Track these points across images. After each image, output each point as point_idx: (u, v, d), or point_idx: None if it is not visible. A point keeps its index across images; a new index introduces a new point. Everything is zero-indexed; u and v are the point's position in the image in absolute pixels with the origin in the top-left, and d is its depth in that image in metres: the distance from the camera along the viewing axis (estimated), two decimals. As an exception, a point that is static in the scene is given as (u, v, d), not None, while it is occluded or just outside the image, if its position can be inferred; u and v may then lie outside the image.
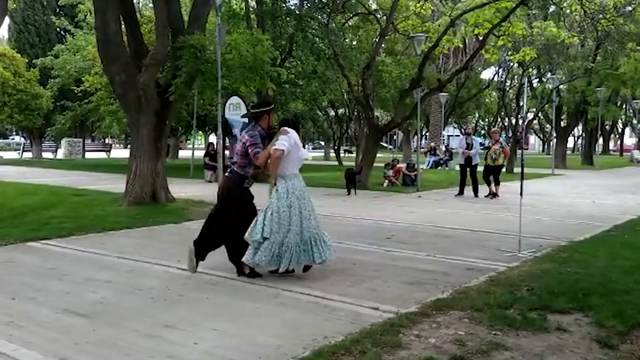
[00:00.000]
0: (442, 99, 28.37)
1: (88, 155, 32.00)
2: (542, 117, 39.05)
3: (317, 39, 17.45)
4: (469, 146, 13.27)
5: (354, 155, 32.58)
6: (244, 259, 5.14)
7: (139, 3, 17.84)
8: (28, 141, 31.34)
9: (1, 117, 26.35)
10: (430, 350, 3.53)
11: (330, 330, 3.87)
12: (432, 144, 29.69)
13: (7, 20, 22.04)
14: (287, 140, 5.17)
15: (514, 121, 27.05)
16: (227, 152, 16.74)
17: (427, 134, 37.33)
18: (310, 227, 5.18)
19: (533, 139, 69.82)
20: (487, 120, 48.78)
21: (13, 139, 48.48)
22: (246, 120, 9.92)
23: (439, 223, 8.84)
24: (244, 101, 10.85)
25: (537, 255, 6.40)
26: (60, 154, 30.67)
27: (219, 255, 6.21)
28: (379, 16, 18.24)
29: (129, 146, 15.85)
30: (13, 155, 31.54)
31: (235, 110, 9.97)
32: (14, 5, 23.40)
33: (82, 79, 20.52)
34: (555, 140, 29.29)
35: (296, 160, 5.31)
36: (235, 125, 10.00)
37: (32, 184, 14.21)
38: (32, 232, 7.38)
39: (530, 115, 33.39)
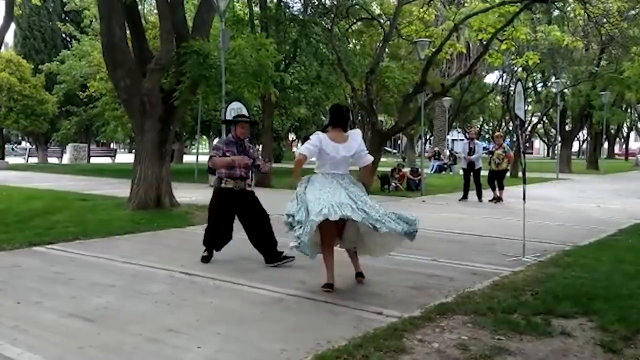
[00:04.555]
0: (446, 103, 28.40)
1: (93, 160, 32.11)
2: (546, 121, 38.95)
3: (320, 44, 17.49)
4: (472, 151, 13.28)
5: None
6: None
7: (143, 9, 17.91)
8: (34, 146, 31.46)
9: (7, 122, 26.50)
10: (434, 355, 3.53)
11: (333, 334, 3.86)
12: (436, 149, 29.68)
13: (12, 26, 22.18)
14: (312, 142, 5.01)
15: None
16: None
17: (431, 138, 37.31)
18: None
19: (538, 143, 69.65)
20: (491, 124, 48.75)
21: (19, 144, 48.64)
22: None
23: (442, 228, 8.82)
24: (245, 106, 10.84)
25: (542, 259, 6.38)
26: (65, 159, 30.79)
27: (222, 260, 6.23)
28: (382, 21, 18.27)
29: (133, 151, 15.91)
30: (19, 160, 31.68)
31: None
32: (20, 12, 23.51)
33: (88, 84, 20.67)
34: (560, 144, 29.22)
35: (329, 161, 5.02)
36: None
37: (38, 188, 14.26)
38: (37, 236, 7.41)
39: (534, 119, 33.38)
